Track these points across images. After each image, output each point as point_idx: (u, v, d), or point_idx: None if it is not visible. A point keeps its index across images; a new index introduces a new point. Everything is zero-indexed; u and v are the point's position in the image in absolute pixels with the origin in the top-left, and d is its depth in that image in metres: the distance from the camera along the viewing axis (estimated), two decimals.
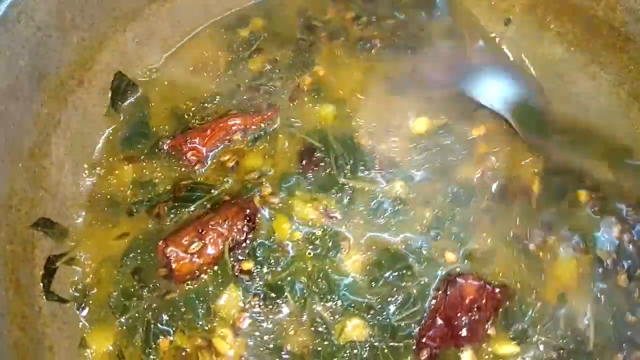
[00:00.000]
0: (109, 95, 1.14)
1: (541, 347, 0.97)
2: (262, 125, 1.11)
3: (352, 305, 0.97)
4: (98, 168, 1.10)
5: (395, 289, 0.98)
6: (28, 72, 0.95)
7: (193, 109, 1.14)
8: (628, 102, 1.16)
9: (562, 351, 0.96)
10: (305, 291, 0.98)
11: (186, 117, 1.14)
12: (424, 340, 0.95)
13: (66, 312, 1.00)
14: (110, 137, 1.13)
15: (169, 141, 1.09)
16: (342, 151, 1.08)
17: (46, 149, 1.02)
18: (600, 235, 1.05)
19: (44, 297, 0.98)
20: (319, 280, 0.98)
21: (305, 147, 1.09)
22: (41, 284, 0.97)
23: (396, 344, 0.95)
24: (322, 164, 1.07)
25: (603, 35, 1.15)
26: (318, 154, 1.08)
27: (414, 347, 0.95)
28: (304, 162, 1.08)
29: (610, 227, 1.05)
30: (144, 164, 1.10)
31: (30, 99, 0.97)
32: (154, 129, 1.13)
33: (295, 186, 1.05)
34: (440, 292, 0.98)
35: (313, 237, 1.02)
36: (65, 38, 1.01)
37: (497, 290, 0.96)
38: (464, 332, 0.95)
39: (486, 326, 0.96)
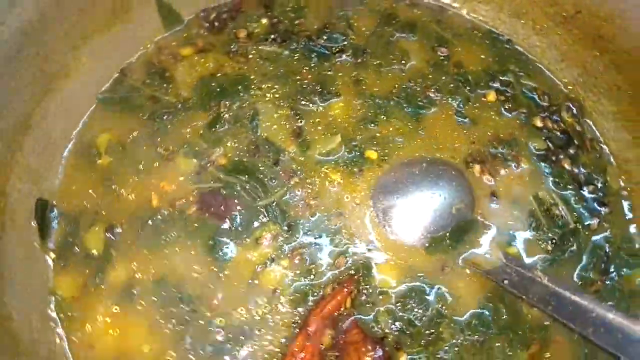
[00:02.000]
0: (36, 226, 1.00)
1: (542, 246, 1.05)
2: None
3: None
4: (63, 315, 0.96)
5: None
6: None
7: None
8: None
9: (554, 240, 1.05)
10: None
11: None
12: None
13: None
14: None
15: None
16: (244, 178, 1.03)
17: (5, 311, 0.87)
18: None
19: None
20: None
21: (203, 195, 1.01)
22: None
23: None
24: (233, 200, 1.01)
25: None
26: (222, 194, 1.01)
27: None
28: (209, 211, 0.99)
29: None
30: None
31: None
32: (90, 250, 0.99)
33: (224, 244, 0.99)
34: None
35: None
36: None
37: None
38: None
39: None
